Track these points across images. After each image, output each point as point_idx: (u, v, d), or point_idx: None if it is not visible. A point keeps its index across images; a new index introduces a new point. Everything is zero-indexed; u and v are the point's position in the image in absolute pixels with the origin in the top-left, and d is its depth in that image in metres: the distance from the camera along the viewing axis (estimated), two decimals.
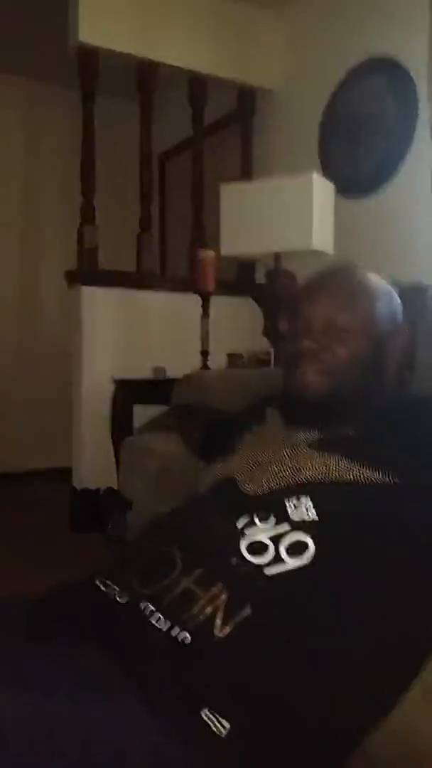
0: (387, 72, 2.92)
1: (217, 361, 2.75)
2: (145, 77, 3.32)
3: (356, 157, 3.08)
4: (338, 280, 1.04)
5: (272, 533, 0.80)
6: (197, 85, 3.46)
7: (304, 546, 0.78)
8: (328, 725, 0.73)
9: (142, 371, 3.02)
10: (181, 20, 3.29)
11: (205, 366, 2.66)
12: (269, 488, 0.87)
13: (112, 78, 3.35)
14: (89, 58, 3.17)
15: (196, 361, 2.69)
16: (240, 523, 0.83)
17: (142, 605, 0.76)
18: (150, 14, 3.22)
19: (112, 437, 2.81)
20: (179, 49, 3.31)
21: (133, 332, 3.19)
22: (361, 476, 0.84)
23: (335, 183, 2.63)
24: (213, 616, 0.73)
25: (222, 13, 3.38)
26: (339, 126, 3.16)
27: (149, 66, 3.28)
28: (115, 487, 1.73)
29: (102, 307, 3.15)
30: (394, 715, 0.77)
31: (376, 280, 1.05)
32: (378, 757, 0.77)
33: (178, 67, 3.34)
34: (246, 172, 3.61)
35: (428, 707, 0.78)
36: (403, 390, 1.38)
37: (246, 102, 3.64)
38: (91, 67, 3.19)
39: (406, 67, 2.83)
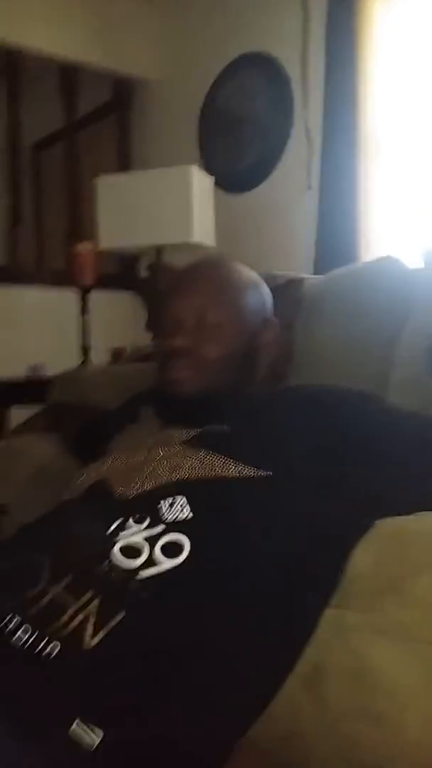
0: (263, 69, 2.95)
1: (101, 357, 2.68)
2: (11, 64, 3.18)
3: (235, 153, 3.10)
4: (206, 274, 1.03)
5: (146, 534, 0.78)
6: (69, 73, 3.36)
7: (179, 546, 0.77)
8: (206, 728, 0.72)
9: (19, 371, 2.89)
10: (47, 5, 3.16)
11: (85, 362, 2.59)
12: (143, 489, 0.85)
13: None
14: None
15: (78, 358, 2.61)
16: (112, 527, 0.80)
17: (7, 617, 0.72)
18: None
19: None
20: (47, 35, 3.18)
21: (8, 330, 3.05)
22: (236, 471, 0.83)
23: (215, 177, 2.64)
24: (84, 624, 0.70)
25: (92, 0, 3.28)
26: (217, 121, 3.17)
27: (15, 53, 3.14)
28: None
29: None
30: (274, 703, 0.77)
31: (244, 272, 1.05)
32: (259, 741, 0.77)
33: (46, 53, 3.21)
34: (123, 165, 3.55)
35: (306, 693, 0.79)
36: (280, 383, 1.40)
37: (122, 93, 3.57)
38: None
39: (281, 65, 2.88)
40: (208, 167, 3.01)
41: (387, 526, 0.80)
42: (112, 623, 0.70)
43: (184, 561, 0.75)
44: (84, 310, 2.58)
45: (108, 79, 3.49)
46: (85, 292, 2.58)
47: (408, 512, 0.81)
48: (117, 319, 3.11)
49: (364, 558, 0.79)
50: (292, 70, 2.82)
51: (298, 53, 2.75)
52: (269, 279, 1.19)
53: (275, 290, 1.19)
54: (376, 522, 0.81)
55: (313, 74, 2.69)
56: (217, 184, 2.67)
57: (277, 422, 0.90)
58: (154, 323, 2.64)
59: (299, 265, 2.45)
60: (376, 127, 2.43)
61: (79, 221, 3.38)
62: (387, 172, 2.44)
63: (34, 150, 4.28)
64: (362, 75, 2.42)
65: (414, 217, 2.37)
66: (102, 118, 3.71)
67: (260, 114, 2.98)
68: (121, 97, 3.58)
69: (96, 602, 0.72)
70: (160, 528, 0.78)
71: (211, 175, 2.62)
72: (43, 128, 3.98)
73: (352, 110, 2.44)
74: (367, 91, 2.43)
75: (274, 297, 1.11)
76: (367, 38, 2.41)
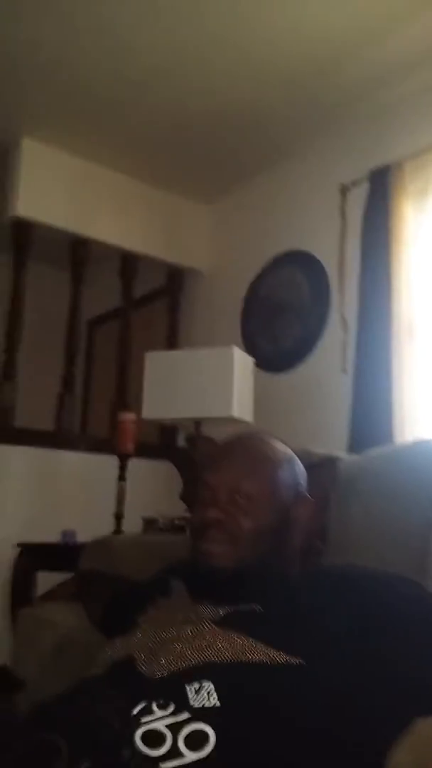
0: (303, 263, 3.22)
1: (134, 525, 2.67)
2: (77, 252, 3.53)
3: (275, 336, 3.29)
4: (242, 448, 1.06)
5: (170, 721, 0.75)
6: (128, 261, 3.69)
7: (204, 736, 0.73)
8: None
9: (53, 535, 2.88)
10: (112, 203, 3.56)
11: (118, 530, 2.57)
12: (170, 670, 0.82)
13: (47, 247, 3.54)
14: (23, 229, 3.34)
15: (110, 525, 2.60)
16: (136, 710, 0.76)
17: None
18: (84, 195, 3.47)
19: (11, 607, 2.60)
20: (111, 228, 3.55)
21: (46, 494, 3.09)
22: (267, 657, 0.80)
23: (255, 358, 2.78)
24: None
25: (152, 200, 3.69)
26: (260, 307, 3.40)
27: (81, 242, 3.50)
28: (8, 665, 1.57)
29: (16, 466, 3.07)
30: None
31: (278, 447, 1.07)
32: None
33: (110, 243, 3.56)
34: (171, 343, 3.77)
35: None
36: (314, 561, 1.37)
37: (174, 279, 3.89)
38: (24, 238, 3.36)
39: (319, 260, 3.13)
40: (250, 349, 3.18)
41: (427, 726, 0.74)
42: None
43: (209, 754, 0.71)
44: (122, 476, 2.62)
45: (163, 266, 3.83)
46: (124, 459, 2.63)
47: None
48: (153, 487, 3.13)
49: (402, 761, 0.72)
50: (330, 264, 3.06)
51: (335, 249, 3.00)
52: (305, 456, 1.20)
53: (311, 467, 1.20)
54: (416, 720, 0.76)
55: (349, 267, 2.92)
56: (257, 364, 2.80)
57: (311, 604, 0.88)
58: (188, 494, 2.65)
59: (334, 444, 2.48)
60: (409, 315, 2.58)
61: (125, 392, 3.53)
62: (421, 356, 2.54)
63: (90, 325, 4.60)
64: (396, 268, 2.63)
65: None
66: (154, 300, 4.01)
67: (299, 302, 3.20)
68: (173, 283, 3.89)
69: None
70: (185, 715, 0.75)
71: (252, 356, 2.77)
72: (101, 306, 4.31)
73: (385, 299, 2.61)
74: (401, 282, 2.61)
75: (309, 474, 1.13)
76: (400, 236, 2.65)
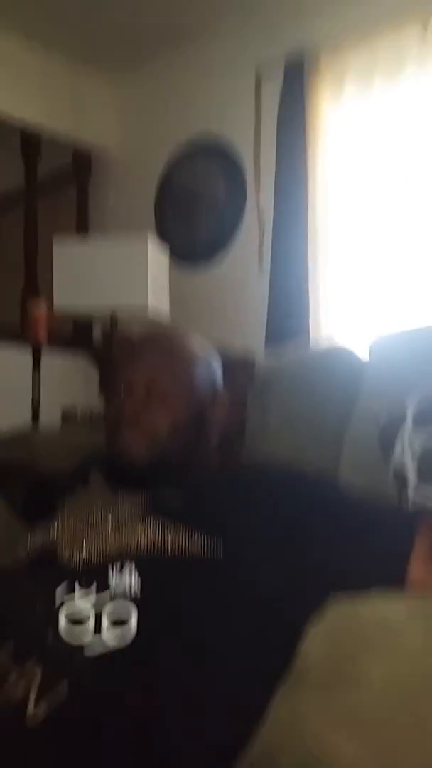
0: (219, 153, 3.10)
1: (52, 416, 2.64)
2: None
3: (191, 229, 3.21)
4: (158, 343, 1.05)
5: (93, 602, 0.77)
6: (29, 138, 3.42)
7: (126, 616, 0.75)
8: None
9: None
10: (4, 69, 3.21)
11: (35, 423, 2.55)
12: (91, 554, 0.84)
13: None
14: None
15: (26, 417, 2.56)
16: (59, 593, 0.79)
17: None
18: None
19: None
20: (4, 97, 3.21)
21: None
22: (187, 546, 0.83)
23: (169, 247, 2.71)
24: (26, 695, 0.69)
25: (50, 68, 3.35)
26: (174, 197, 3.29)
27: None
28: None
29: None
30: None
31: (196, 344, 1.07)
32: None
33: (6, 114, 3.24)
34: (81, 231, 3.60)
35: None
36: (232, 458, 1.42)
37: (81, 160, 3.65)
38: None
39: (235, 151, 3.03)
40: (163, 237, 3.10)
41: (339, 610, 0.80)
42: (54, 700, 0.69)
43: (130, 642, 0.74)
44: (36, 367, 2.56)
45: (68, 148, 3.57)
46: (37, 349, 2.56)
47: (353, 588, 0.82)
48: (69, 380, 3.09)
49: (317, 643, 0.79)
50: (246, 154, 2.97)
51: (251, 139, 2.90)
52: (222, 352, 1.21)
53: (228, 367, 1.21)
54: (328, 605, 0.82)
55: (265, 160, 2.84)
56: (172, 253, 2.74)
57: (231, 502, 0.91)
58: (106, 388, 2.64)
59: (250, 337, 2.52)
60: (325, 211, 2.57)
61: (35, 280, 3.39)
62: (335, 255, 2.57)
63: None
64: (311, 164, 2.60)
65: (361, 302, 2.49)
66: (62, 185, 3.78)
67: (214, 192, 3.12)
68: (80, 165, 3.66)
69: (38, 673, 0.70)
70: (107, 596, 0.77)
71: (166, 244, 2.69)
72: (2, 187, 4.02)
73: (301, 197, 2.59)
74: (316, 179, 2.59)
75: (227, 374, 1.13)
76: (315, 131, 2.60)
